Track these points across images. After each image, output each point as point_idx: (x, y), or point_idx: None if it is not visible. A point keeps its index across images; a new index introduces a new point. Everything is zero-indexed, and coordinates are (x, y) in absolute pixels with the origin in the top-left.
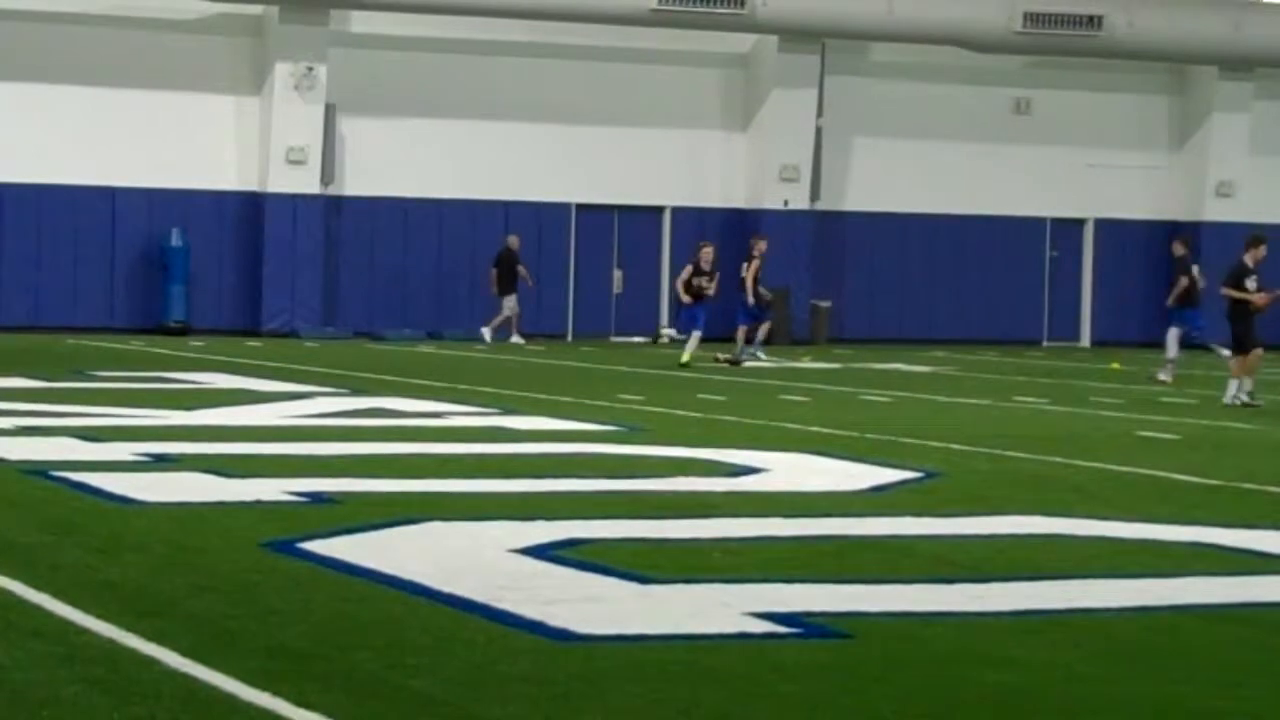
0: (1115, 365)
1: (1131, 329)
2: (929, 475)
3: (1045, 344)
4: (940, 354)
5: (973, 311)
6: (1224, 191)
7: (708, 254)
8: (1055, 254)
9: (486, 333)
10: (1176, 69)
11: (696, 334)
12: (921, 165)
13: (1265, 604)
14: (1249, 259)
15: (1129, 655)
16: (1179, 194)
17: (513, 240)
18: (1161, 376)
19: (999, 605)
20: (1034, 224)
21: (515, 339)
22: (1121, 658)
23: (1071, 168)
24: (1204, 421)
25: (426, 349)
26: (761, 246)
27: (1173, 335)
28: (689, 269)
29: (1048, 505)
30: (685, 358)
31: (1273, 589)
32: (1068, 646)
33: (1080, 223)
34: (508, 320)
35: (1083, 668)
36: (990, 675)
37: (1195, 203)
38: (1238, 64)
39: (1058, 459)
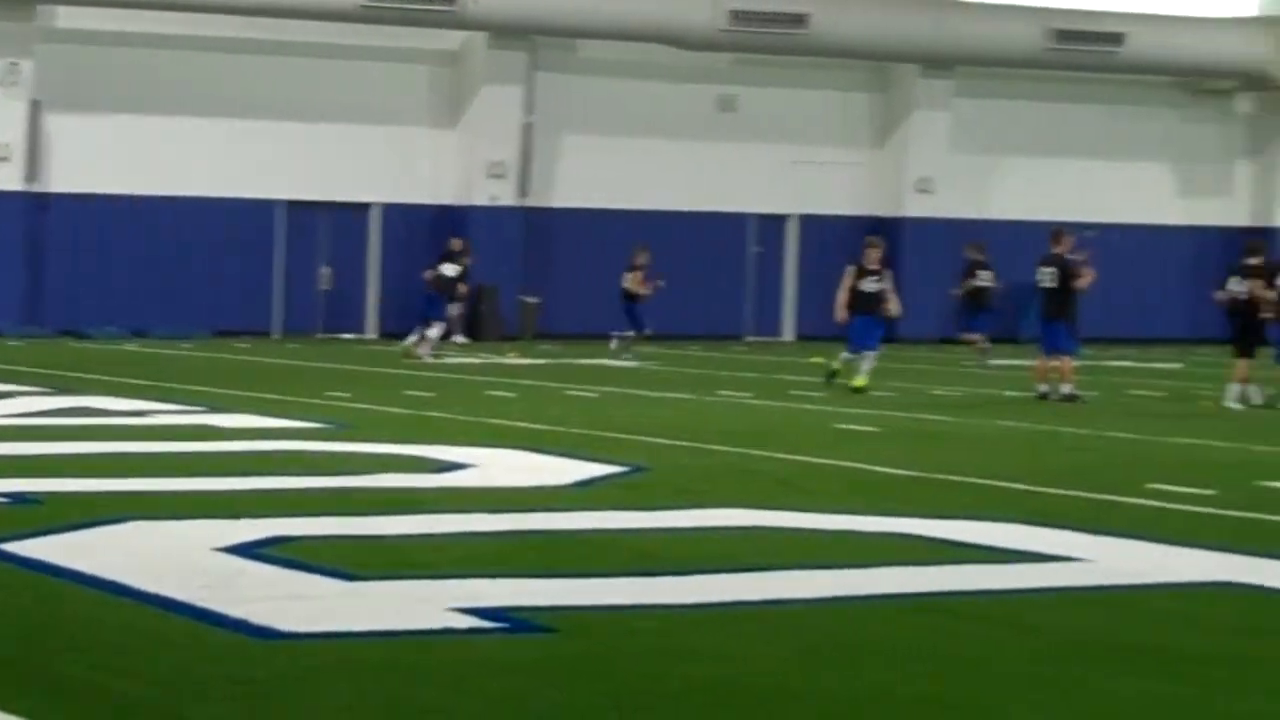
0: (817, 359)
1: (834, 324)
2: (634, 469)
3: (749, 339)
4: (646, 349)
5: (678, 306)
6: (923, 188)
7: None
8: (759, 249)
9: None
10: (879, 67)
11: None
12: (629, 162)
13: (960, 592)
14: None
15: (828, 646)
16: (880, 190)
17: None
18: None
19: (702, 598)
20: (738, 220)
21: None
22: (821, 648)
23: (776, 164)
24: (901, 414)
25: (132, 347)
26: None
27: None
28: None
29: (750, 498)
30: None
31: (967, 578)
32: (769, 638)
33: (783, 218)
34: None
35: (783, 659)
36: (694, 668)
37: (896, 199)
38: (938, 62)
39: (760, 452)
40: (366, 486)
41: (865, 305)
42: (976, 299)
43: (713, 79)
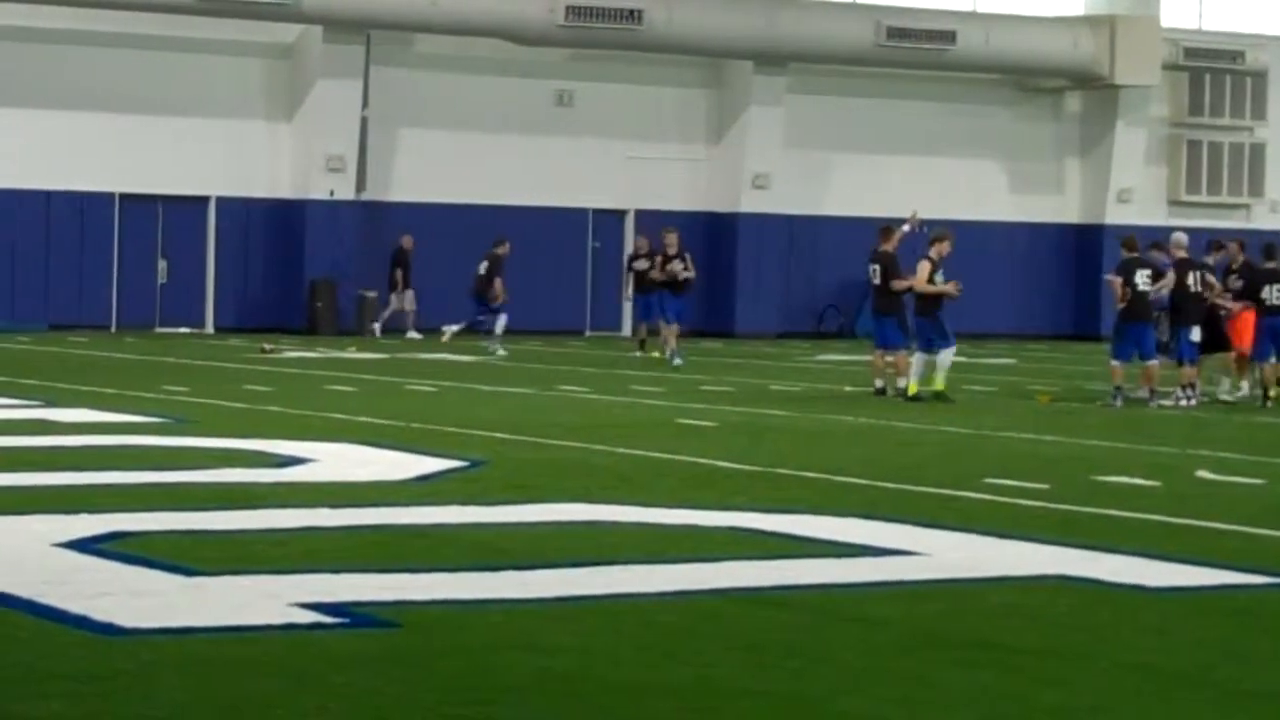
0: (655, 354)
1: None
2: (474, 464)
3: (588, 333)
4: (486, 344)
5: (517, 301)
6: (759, 184)
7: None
8: (598, 245)
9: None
10: (714, 63)
11: None
12: (467, 156)
13: (800, 586)
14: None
15: (669, 639)
16: (717, 186)
17: (406, 240)
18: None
19: (543, 592)
20: (576, 215)
21: (412, 334)
22: (661, 642)
23: (613, 160)
24: (741, 409)
25: None
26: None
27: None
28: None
29: (591, 492)
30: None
31: (807, 572)
32: (610, 632)
33: (621, 214)
34: (400, 313)
35: (624, 652)
36: (535, 661)
37: (732, 194)
38: (772, 58)
39: (600, 446)
40: (206, 481)
41: (675, 287)
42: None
43: (550, 74)
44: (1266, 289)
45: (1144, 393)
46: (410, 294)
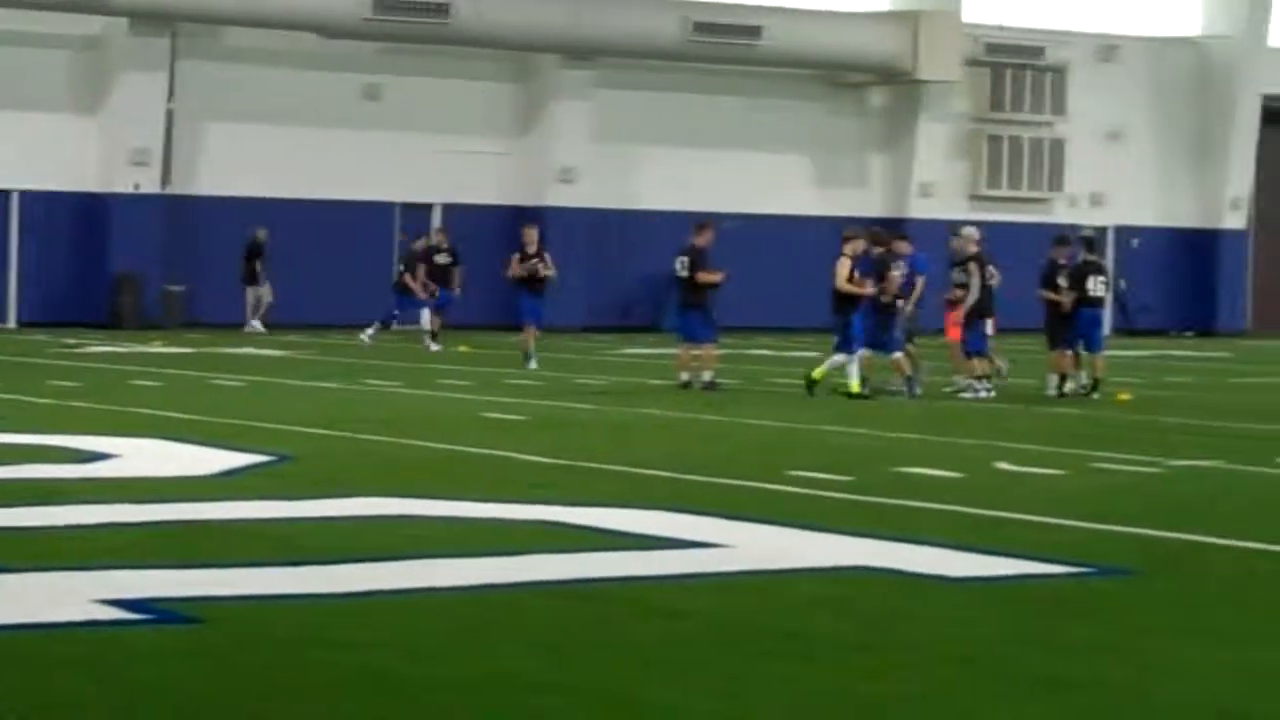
0: (463, 348)
1: (487, 312)
2: (280, 459)
3: (396, 328)
4: (294, 338)
5: (325, 294)
6: (566, 177)
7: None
8: (404, 238)
9: (258, 324)
10: (521, 57)
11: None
12: (274, 150)
13: (603, 579)
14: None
15: (475, 633)
16: (524, 179)
17: (260, 233)
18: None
19: (347, 587)
20: (384, 208)
21: (255, 324)
22: (465, 635)
23: (420, 153)
24: (548, 402)
25: None
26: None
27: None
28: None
29: (398, 486)
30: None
31: (614, 565)
32: (417, 626)
33: (428, 207)
34: (260, 304)
35: (430, 647)
36: (338, 656)
37: (540, 188)
38: (579, 52)
39: (407, 440)
40: (8, 478)
41: (531, 285)
42: None
43: (358, 68)
44: (1091, 280)
45: (899, 384)
46: (267, 287)
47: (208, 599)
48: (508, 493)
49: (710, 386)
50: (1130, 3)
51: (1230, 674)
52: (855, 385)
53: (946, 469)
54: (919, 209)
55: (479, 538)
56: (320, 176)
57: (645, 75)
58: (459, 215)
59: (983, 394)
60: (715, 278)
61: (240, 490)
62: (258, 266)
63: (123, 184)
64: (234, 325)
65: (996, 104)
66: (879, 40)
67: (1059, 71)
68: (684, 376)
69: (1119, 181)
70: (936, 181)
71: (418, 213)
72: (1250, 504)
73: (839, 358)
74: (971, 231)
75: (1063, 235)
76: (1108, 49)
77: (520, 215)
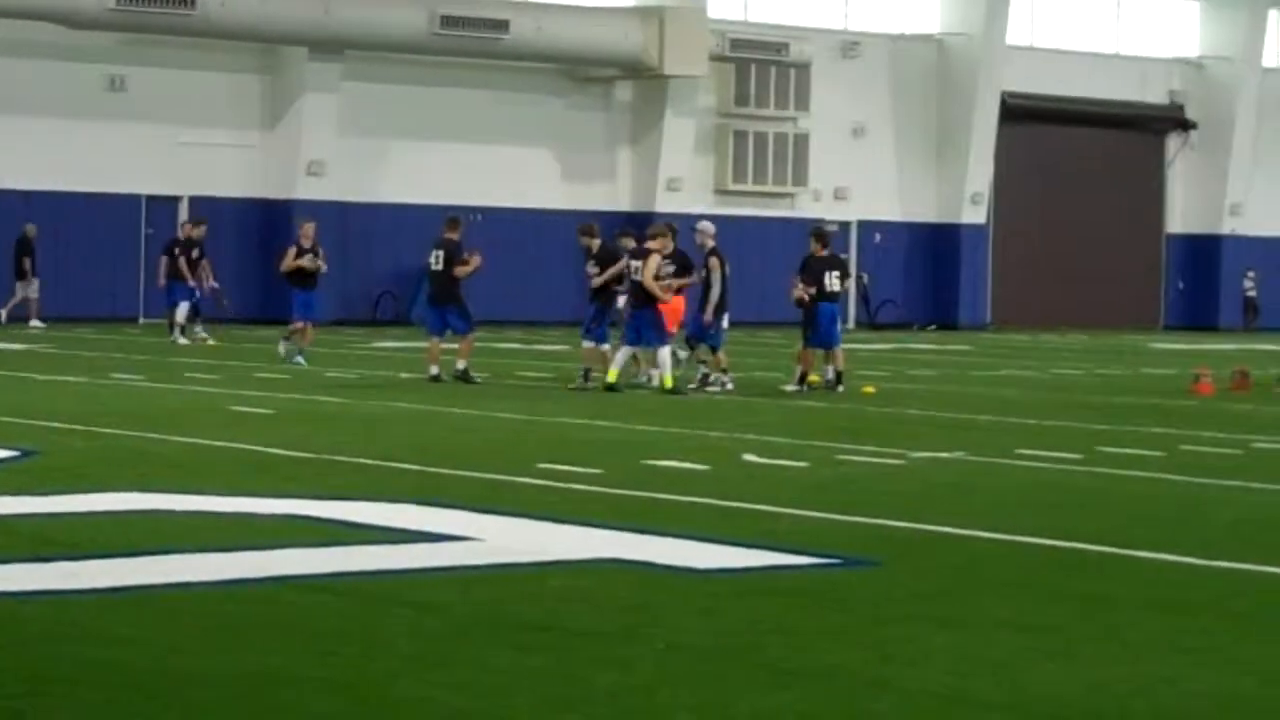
0: (211, 341)
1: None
2: (26, 454)
3: (141, 321)
4: (35, 331)
5: (69, 290)
6: (314, 170)
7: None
8: (150, 231)
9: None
10: (268, 49)
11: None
12: (14, 140)
13: (355, 573)
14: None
15: (225, 628)
16: (272, 172)
17: (30, 229)
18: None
19: (97, 582)
20: (130, 200)
21: (35, 323)
22: (218, 630)
23: (165, 145)
24: (296, 396)
25: None
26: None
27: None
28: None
29: (145, 481)
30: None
31: (363, 559)
32: (165, 621)
33: (175, 199)
34: (26, 302)
35: (181, 641)
36: (88, 651)
37: (288, 181)
38: (327, 46)
39: (154, 435)
40: None
41: (303, 280)
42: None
43: (101, 58)
44: (827, 276)
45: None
46: (36, 282)
47: None
48: (255, 486)
49: (464, 376)
50: (872, 0)
51: (966, 661)
52: (614, 374)
53: (694, 461)
54: (666, 203)
55: (228, 532)
56: (64, 168)
57: (393, 68)
58: (204, 208)
59: (729, 386)
60: (470, 267)
61: None
62: (26, 263)
63: None
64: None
65: (741, 99)
66: (625, 35)
67: (802, 67)
68: (434, 369)
69: (862, 176)
70: (683, 176)
71: (164, 205)
72: (991, 495)
73: (625, 350)
74: (707, 226)
75: (819, 229)
76: (850, 45)
77: (268, 208)
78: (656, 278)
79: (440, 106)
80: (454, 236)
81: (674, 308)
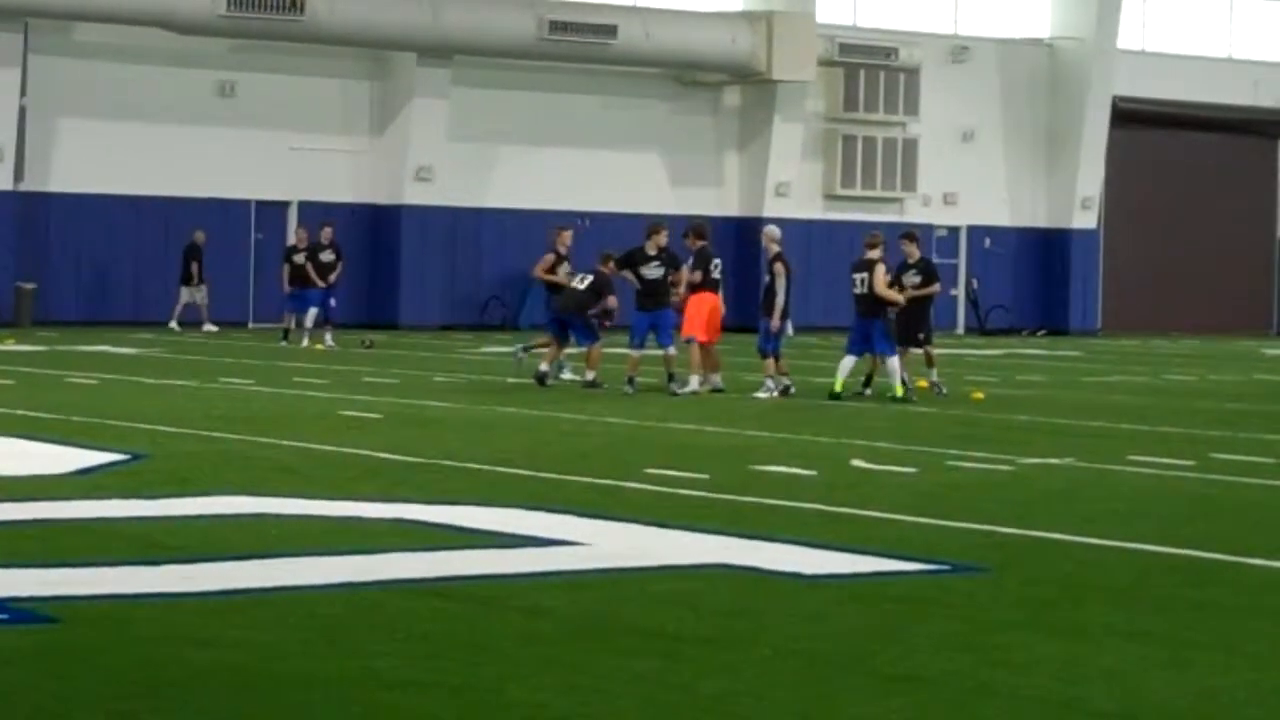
0: (318, 346)
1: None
2: (136, 457)
3: (251, 325)
4: (147, 336)
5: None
6: (423, 176)
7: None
8: (260, 236)
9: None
10: (377, 55)
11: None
12: (127, 146)
13: (463, 577)
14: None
15: (334, 631)
16: (381, 177)
17: (199, 235)
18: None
19: (206, 585)
20: (239, 206)
21: (208, 326)
22: (326, 633)
23: (275, 151)
24: (405, 400)
25: None
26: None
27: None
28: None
29: (254, 485)
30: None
31: (471, 562)
32: (275, 624)
33: (285, 205)
34: (193, 306)
35: (289, 645)
36: (197, 654)
37: (396, 186)
38: (436, 51)
39: (264, 439)
40: None
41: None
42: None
43: (211, 64)
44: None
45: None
46: (204, 288)
47: (64, 598)
48: (364, 491)
49: (592, 385)
50: (981, 4)
51: (1076, 668)
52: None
53: (802, 466)
54: (774, 208)
55: (336, 536)
56: (175, 174)
57: (501, 74)
58: (312, 213)
59: (776, 393)
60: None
61: (96, 489)
62: (194, 269)
63: None
64: (86, 323)
65: (850, 104)
66: (733, 40)
67: (911, 72)
68: (543, 367)
69: (971, 181)
70: (791, 181)
71: (273, 210)
72: (1101, 501)
73: (849, 360)
74: (773, 230)
75: (909, 232)
76: (959, 49)
77: (377, 213)
78: (770, 291)
79: (548, 111)
80: (605, 271)
81: (695, 310)
